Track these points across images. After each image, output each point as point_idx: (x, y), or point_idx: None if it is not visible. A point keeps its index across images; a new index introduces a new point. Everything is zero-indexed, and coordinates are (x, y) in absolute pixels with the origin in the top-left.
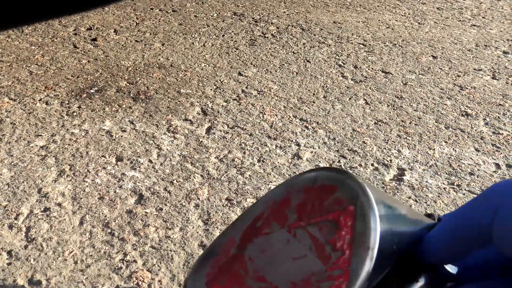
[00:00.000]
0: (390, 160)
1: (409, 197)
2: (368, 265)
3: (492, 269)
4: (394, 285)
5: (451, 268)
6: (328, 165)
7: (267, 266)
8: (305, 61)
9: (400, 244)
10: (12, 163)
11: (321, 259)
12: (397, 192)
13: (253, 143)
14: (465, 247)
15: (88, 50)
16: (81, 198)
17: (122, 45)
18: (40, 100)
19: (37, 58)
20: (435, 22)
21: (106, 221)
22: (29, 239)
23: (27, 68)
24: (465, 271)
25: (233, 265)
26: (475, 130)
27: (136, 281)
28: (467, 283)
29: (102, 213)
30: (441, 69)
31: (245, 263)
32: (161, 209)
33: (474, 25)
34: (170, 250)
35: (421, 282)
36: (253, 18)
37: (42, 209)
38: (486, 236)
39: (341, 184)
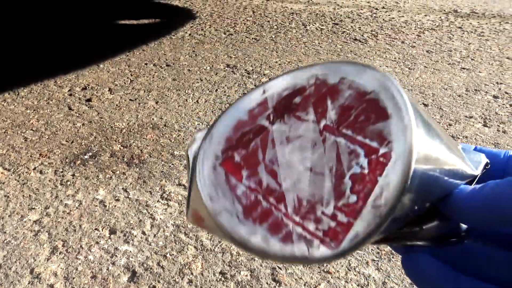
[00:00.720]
0: None
1: None
2: (370, 234)
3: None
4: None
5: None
6: None
7: (283, 161)
8: None
9: (421, 208)
10: (5, 241)
11: (335, 190)
12: None
13: None
14: None
15: (83, 112)
16: (74, 278)
17: (116, 105)
18: (34, 169)
19: (32, 123)
20: (425, 66)
21: None
22: None
23: (22, 134)
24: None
25: (254, 140)
26: None
27: None
28: (470, 242)
29: None
30: (432, 116)
31: (266, 144)
32: (154, 286)
33: (464, 68)
34: None
35: (435, 222)
36: (245, 70)
37: None
38: None
39: (398, 120)
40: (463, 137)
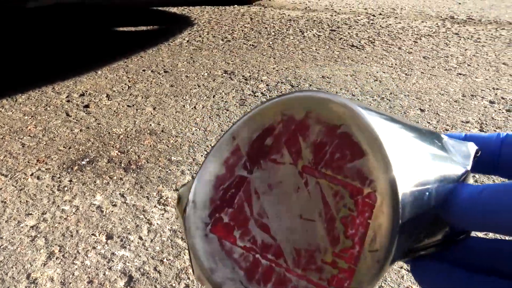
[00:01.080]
0: None
1: None
2: (374, 277)
3: None
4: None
5: None
6: None
7: (272, 212)
8: None
9: (422, 228)
10: (2, 247)
11: (329, 237)
12: None
13: None
14: None
15: (81, 118)
16: (70, 283)
17: (114, 111)
18: (31, 174)
19: (29, 129)
20: (421, 72)
21: None
22: None
23: (20, 140)
24: None
25: (237, 194)
26: None
27: None
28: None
29: None
30: (429, 123)
31: (251, 196)
32: None
33: (460, 74)
34: None
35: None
36: (243, 76)
37: None
38: None
39: (374, 158)
40: None
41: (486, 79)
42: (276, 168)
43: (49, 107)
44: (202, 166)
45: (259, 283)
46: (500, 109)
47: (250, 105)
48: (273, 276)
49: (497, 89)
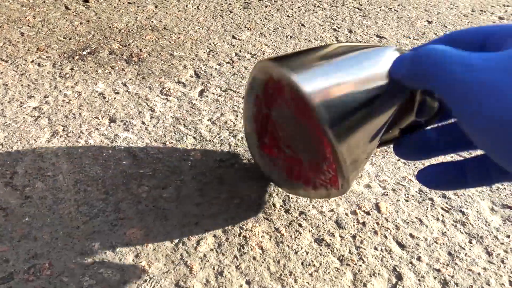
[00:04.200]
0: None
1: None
2: (343, 181)
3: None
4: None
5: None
6: None
7: (287, 134)
8: (300, 25)
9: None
10: (6, 124)
11: (319, 155)
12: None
13: None
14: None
15: (80, 12)
16: (75, 158)
17: (115, 7)
18: (32, 61)
19: (28, 20)
20: None
21: (100, 180)
22: (25, 197)
23: (19, 29)
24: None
25: (268, 125)
26: None
27: (130, 237)
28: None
29: (96, 173)
30: (435, 34)
31: (275, 125)
32: (155, 169)
33: None
34: (164, 209)
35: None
36: None
37: (37, 169)
38: None
39: (294, 91)
40: None
41: None
42: (280, 107)
43: (47, 0)
44: (244, 107)
45: (293, 178)
46: None
47: (254, 8)
48: (301, 176)
49: (508, 6)
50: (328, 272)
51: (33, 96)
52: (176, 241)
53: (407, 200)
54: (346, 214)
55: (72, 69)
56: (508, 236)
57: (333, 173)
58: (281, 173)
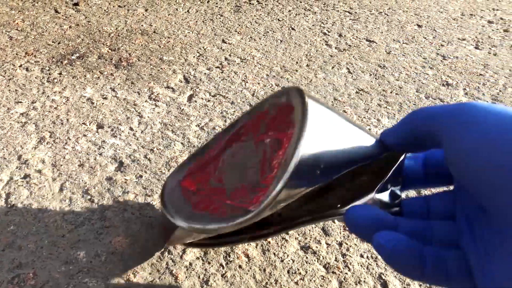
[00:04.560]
0: (369, 129)
1: None
2: (278, 188)
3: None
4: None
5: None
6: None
7: (229, 170)
8: (290, 28)
9: (327, 169)
10: None
11: (260, 173)
12: None
13: (235, 111)
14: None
15: (70, 15)
16: (61, 165)
17: (105, 10)
18: (20, 66)
19: (17, 23)
20: None
21: (86, 187)
22: (9, 206)
23: (7, 33)
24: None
25: (210, 165)
26: (455, 99)
27: (116, 246)
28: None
29: (82, 180)
30: (425, 38)
31: (218, 165)
32: (141, 176)
33: None
34: (150, 217)
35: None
36: None
37: (22, 176)
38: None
39: (296, 106)
40: (453, 57)
41: None
42: (242, 144)
43: (37, 3)
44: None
45: (200, 209)
46: (497, 29)
47: (245, 12)
48: (211, 205)
49: (497, 10)
50: (314, 281)
51: (21, 102)
52: (162, 249)
53: None
54: (333, 221)
55: (60, 73)
56: None
57: (264, 186)
58: (185, 204)
